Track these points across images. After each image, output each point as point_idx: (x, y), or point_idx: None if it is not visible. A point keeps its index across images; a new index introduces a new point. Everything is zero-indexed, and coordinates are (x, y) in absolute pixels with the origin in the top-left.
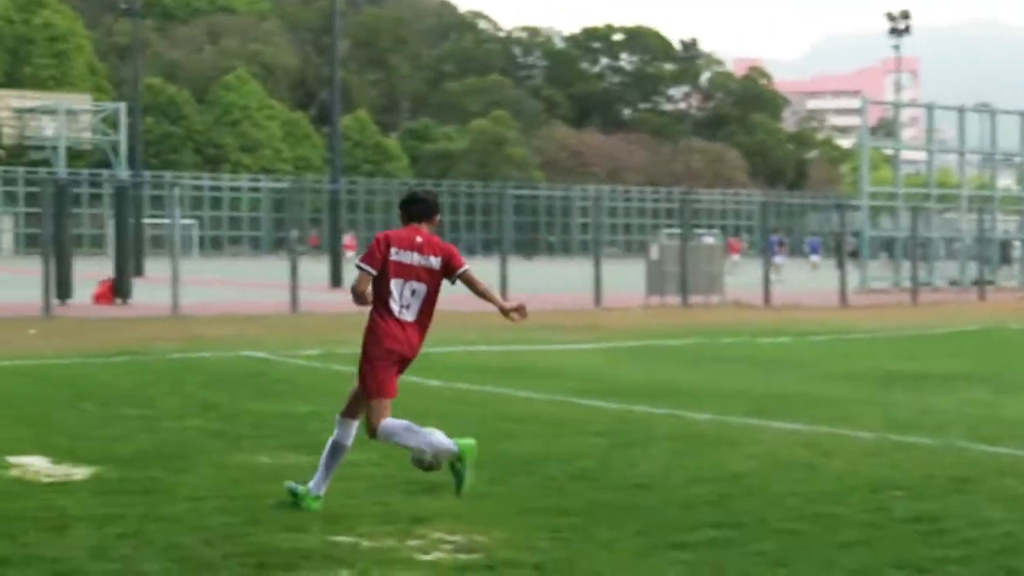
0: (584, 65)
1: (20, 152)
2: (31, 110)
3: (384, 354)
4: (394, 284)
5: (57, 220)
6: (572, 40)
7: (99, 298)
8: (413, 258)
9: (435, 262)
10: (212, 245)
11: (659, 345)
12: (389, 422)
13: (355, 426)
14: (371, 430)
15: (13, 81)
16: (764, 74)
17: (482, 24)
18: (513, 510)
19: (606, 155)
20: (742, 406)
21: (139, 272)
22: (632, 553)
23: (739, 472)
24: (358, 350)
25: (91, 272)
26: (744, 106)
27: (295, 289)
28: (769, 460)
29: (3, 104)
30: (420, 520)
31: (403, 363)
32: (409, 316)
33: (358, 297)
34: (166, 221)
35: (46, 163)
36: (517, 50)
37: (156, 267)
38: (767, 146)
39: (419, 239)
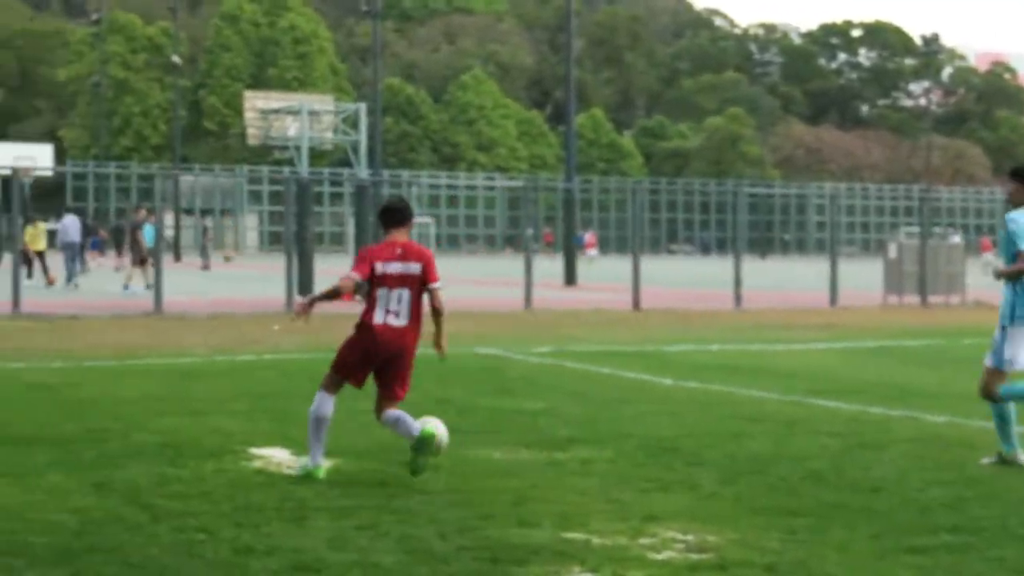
0: (821, 61)
1: (265, 152)
2: (276, 111)
3: (359, 347)
4: (380, 294)
5: (299, 218)
6: (809, 36)
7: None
8: (396, 268)
9: (416, 267)
10: (448, 243)
11: (896, 346)
12: (317, 403)
13: (398, 415)
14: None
15: (259, 83)
16: (1008, 68)
17: (718, 21)
18: (744, 510)
19: (843, 152)
20: (982, 409)
21: None
22: (866, 556)
23: (977, 476)
24: (592, 348)
25: (332, 269)
26: (987, 101)
27: (529, 286)
28: (1009, 464)
29: (249, 105)
30: (652, 518)
31: (387, 362)
32: (400, 321)
33: (333, 293)
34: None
35: (289, 162)
36: (753, 47)
37: None
38: (1011, 142)
39: (399, 250)
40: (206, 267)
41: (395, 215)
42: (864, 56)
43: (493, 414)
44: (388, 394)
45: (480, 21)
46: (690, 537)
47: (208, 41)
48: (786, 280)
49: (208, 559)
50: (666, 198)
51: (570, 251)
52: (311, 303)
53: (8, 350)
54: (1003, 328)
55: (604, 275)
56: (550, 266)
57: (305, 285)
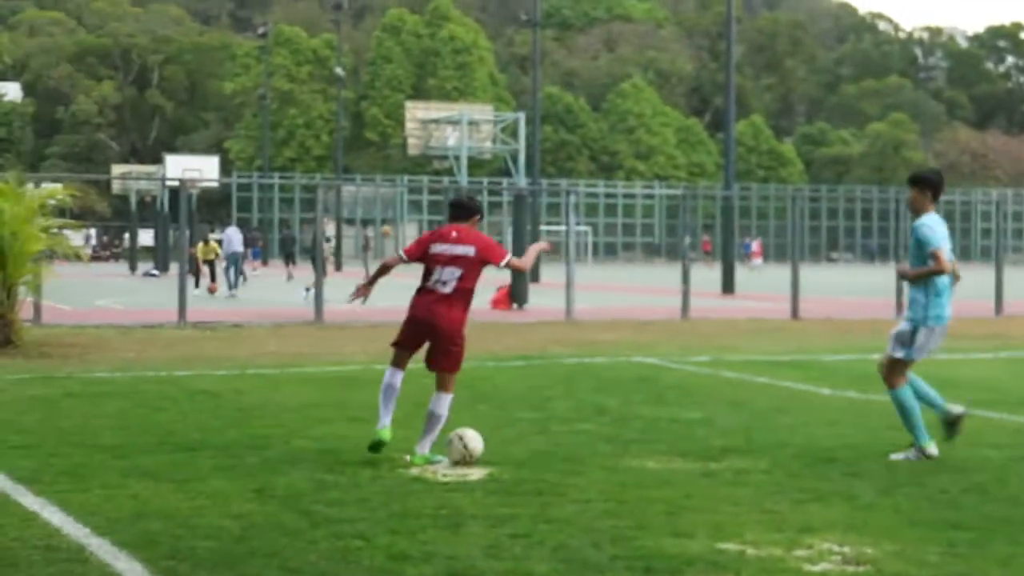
0: (988, 65)
1: (425, 162)
2: (435, 121)
3: (408, 318)
4: (434, 270)
5: None
6: (976, 39)
7: (496, 303)
8: (445, 248)
9: (469, 250)
10: (606, 251)
11: None
12: (387, 375)
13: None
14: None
15: (419, 93)
16: None
17: (882, 25)
18: (903, 523)
19: (1011, 157)
20: None
21: (535, 278)
22: None
23: None
24: (749, 357)
25: (489, 278)
26: None
27: (686, 295)
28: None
29: (410, 115)
30: (808, 530)
31: (428, 333)
32: (447, 289)
33: (382, 269)
34: (562, 228)
35: (449, 172)
36: (918, 51)
37: (551, 273)
38: None
39: (454, 234)
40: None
41: (457, 210)
42: None
43: (649, 423)
44: (433, 366)
45: (640, 28)
46: (847, 549)
47: (370, 53)
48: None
49: (364, 565)
50: (827, 205)
51: (729, 259)
52: (369, 284)
53: (174, 358)
54: (914, 325)
55: (763, 284)
56: (708, 275)
57: None
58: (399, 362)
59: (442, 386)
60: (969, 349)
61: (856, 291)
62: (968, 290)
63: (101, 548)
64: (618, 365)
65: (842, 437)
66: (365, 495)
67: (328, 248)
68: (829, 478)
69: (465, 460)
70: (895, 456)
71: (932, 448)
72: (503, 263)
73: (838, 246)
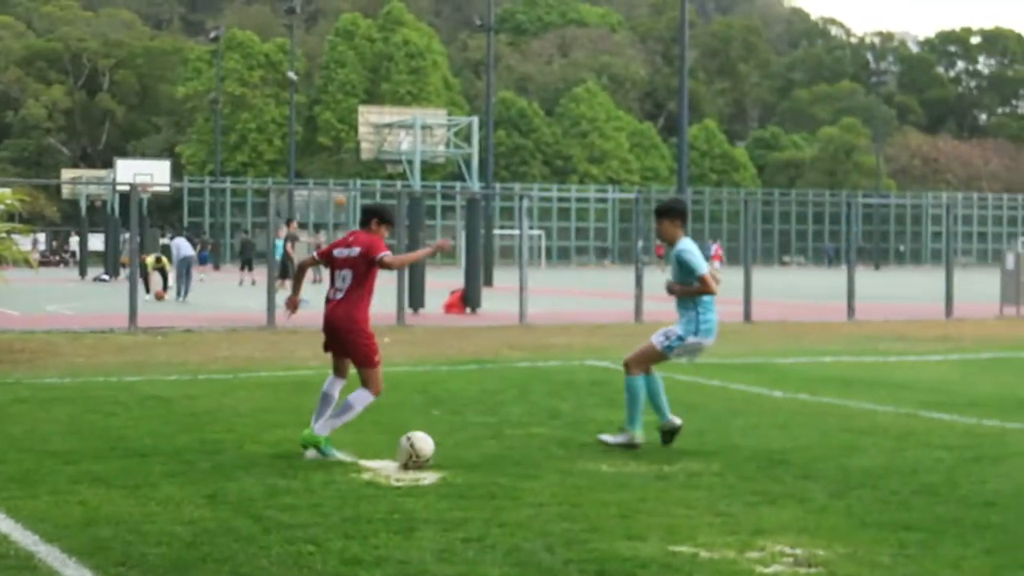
0: (939, 69)
1: (378, 166)
2: (389, 125)
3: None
4: (334, 275)
5: (411, 231)
6: (927, 44)
7: (450, 308)
8: (342, 252)
9: (355, 251)
10: (559, 255)
11: (1013, 358)
12: (326, 382)
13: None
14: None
15: (373, 97)
16: None
17: (834, 30)
18: (854, 524)
19: (961, 162)
20: None
21: (488, 282)
22: (980, 572)
23: None
24: (702, 360)
25: (442, 282)
26: None
27: (639, 298)
28: (633, 447)
29: (363, 120)
30: (760, 532)
31: (333, 335)
32: (340, 295)
33: (299, 271)
34: (515, 232)
35: (402, 176)
36: (869, 56)
37: (504, 277)
38: None
39: (351, 238)
40: (316, 280)
41: (361, 215)
42: (983, 64)
43: (603, 426)
44: (340, 364)
45: (593, 33)
46: (799, 551)
47: (323, 57)
48: (901, 291)
49: (317, 570)
50: (779, 209)
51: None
52: (295, 294)
53: (125, 363)
54: (686, 334)
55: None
56: (662, 278)
57: (416, 298)
58: (334, 368)
59: (363, 382)
60: (920, 351)
61: (808, 294)
62: (919, 293)
63: (50, 555)
64: (572, 369)
65: (794, 440)
66: (318, 500)
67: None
68: (781, 480)
69: (413, 461)
70: (603, 437)
71: (640, 438)
72: (378, 258)
73: (790, 250)
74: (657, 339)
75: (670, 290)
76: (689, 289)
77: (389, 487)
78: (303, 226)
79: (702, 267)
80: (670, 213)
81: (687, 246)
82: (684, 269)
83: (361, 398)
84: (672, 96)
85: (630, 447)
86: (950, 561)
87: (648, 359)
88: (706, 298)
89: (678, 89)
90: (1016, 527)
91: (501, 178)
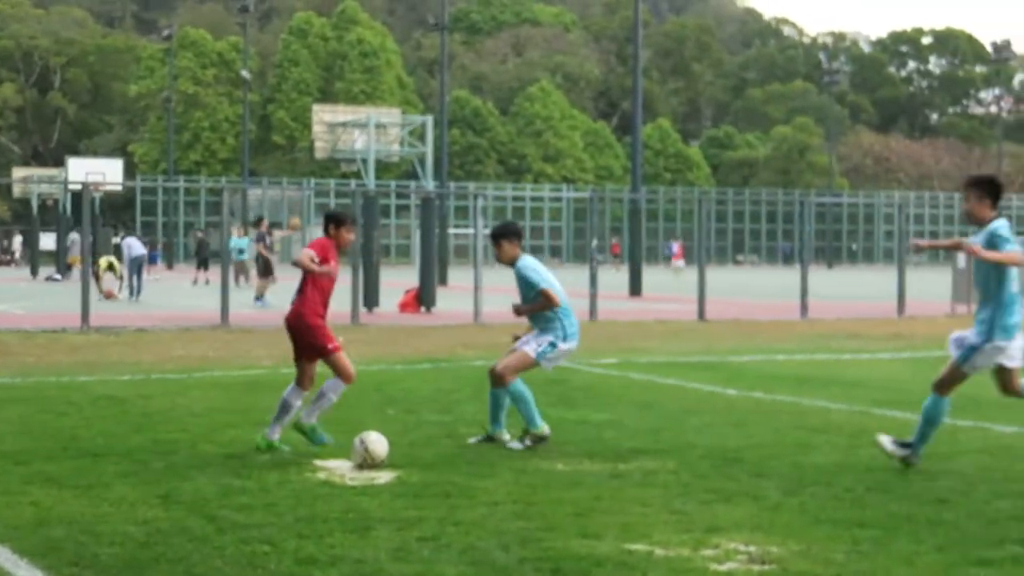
0: (891, 69)
1: (332, 165)
2: (343, 124)
3: None
4: None
5: (365, 230)
6: (879, 44)
7: (404, 307)
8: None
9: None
10: None
11: None
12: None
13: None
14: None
15: (327, 96)
16: None
17: (787, 30)
18: (808, 521)
19: (912, 161)
20: None
21: (443, 281)
22: (932, 568)
23: None
24: (657, 359)
25: (397, 282)
26: None
27: (594, 297)
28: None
29: (317, 119)
30: (715, 530)
31: (290, 336)
32: (293, 299)
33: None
34: (469, 231)
35: (356, 175)
36: (822, 56)
37: (459, 276)
38: None
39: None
40: (271, 280)
41: (324, 223)
42: (934, 64)
43: (557, 425)
44: (302, 372)
45: (547, 32)
46: (753, 548)
47: (277, 55)
48: (853, 290)
49: (271, 570)
50: (733, 208)
51: (636, 262)
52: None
53: (78, 363)
54: (555, 343)
55: (671, 286)
56: (616, 277)
57: (370, 297)
58: (296, 377)
59: (333, 371)
60: (873, 349)
61: (762, 293)
62: (871, 291)
63: (1, 556)
64: None
65: (749, 438)
66: (272, 500)
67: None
68: (736, 478)
69: (367, 463)
70: (511, 445)
71: (545, 429)
72: (294, 258)
73: (744, 249)
74: (530, 347)
75: (517, 311)
76: (535, 306)
77: (344, 486)
78: (256, 225)
79: (542, 282)
80: (507, 235)
81: (527, 263)
82: (526, 285)
83: (332, 386)
84: (626, 95)
85: (542, 441)
86: (903, 558)
87: (521, 367)
88: (564, 305)
89: (632, 88)
90: (967, 524)
91: (456, 177)
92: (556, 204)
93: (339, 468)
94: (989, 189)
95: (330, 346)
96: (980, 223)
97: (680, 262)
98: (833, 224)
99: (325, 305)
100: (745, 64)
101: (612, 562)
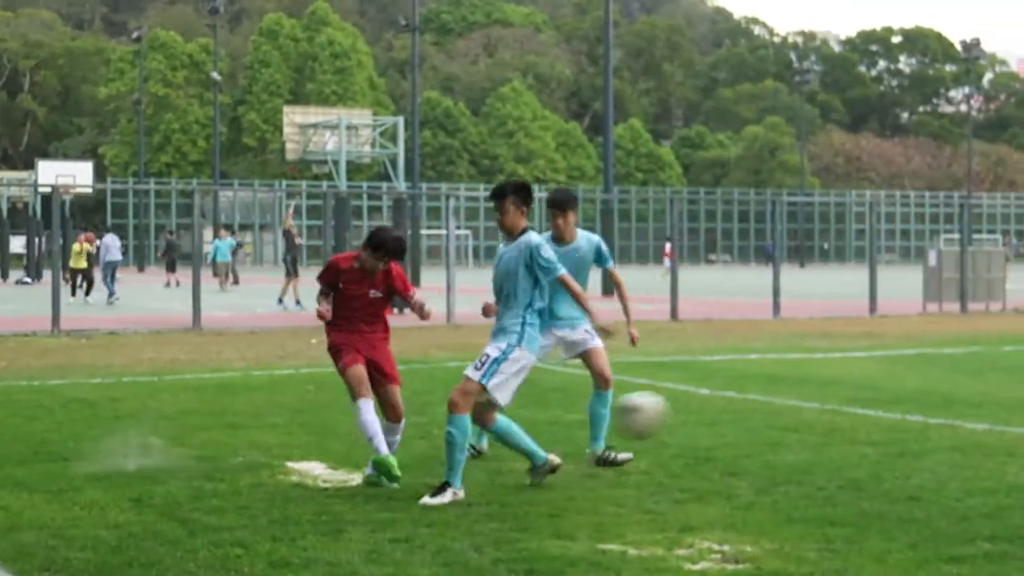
0: (861, 69)
1: (303, 166)
2: (314, 125)
3: None
4: None
5: (337, 232)
6: (849, 43)
7: None
8: None
9: None
10: (487, 255)
11: (936, 354)
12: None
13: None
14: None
15: (298, 98)
16: None
17: (757, 30)
18: (781, 520)
19: (883, 160)
20: (1023, 417)
21: (415, 282)
22: (904, 566)
23: (1018, 484)
24: (629, 358)
25: None
26: None
27: None
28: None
29: (288, 120)
30: (688, 529)
31: None
32: None
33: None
34: (442, 232)
35: (328, 177)
36: (792, 55)
37: (432, 277)
38: None
39: None
40: (235, 282)
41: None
42: (904, 63)
43: (530, 426)
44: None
45: (519, 33)
46: (727, 547)
47: (247, 57)
48: (825, 288)
49: (245, 573)
50: (704, 208)
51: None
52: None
53: (48, 367)
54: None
55: (641, 285)
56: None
57: None
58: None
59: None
60: (845, 348)
61: (734, 292)
62: (843, 290)
63: None
64: None
65: (721, 437)
66: (245, 502)
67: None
68: (709, 478)
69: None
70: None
71: (484, 444)
72: None
73: (716, 248)
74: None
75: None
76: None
77: (317, 488)
78: (228, 227)
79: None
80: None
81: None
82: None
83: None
84: (597, 95)
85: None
86: (875, 555)
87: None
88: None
89: (603, 88)
90: (939, 521)
91: (428, 178)
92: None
93: (312, 470)
94: (526, 197)
95: (338, 365)
96: (512, 233)
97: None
98: (805, 223)
99: (349, 320)
100: (716, 64)
101: (585, 562)
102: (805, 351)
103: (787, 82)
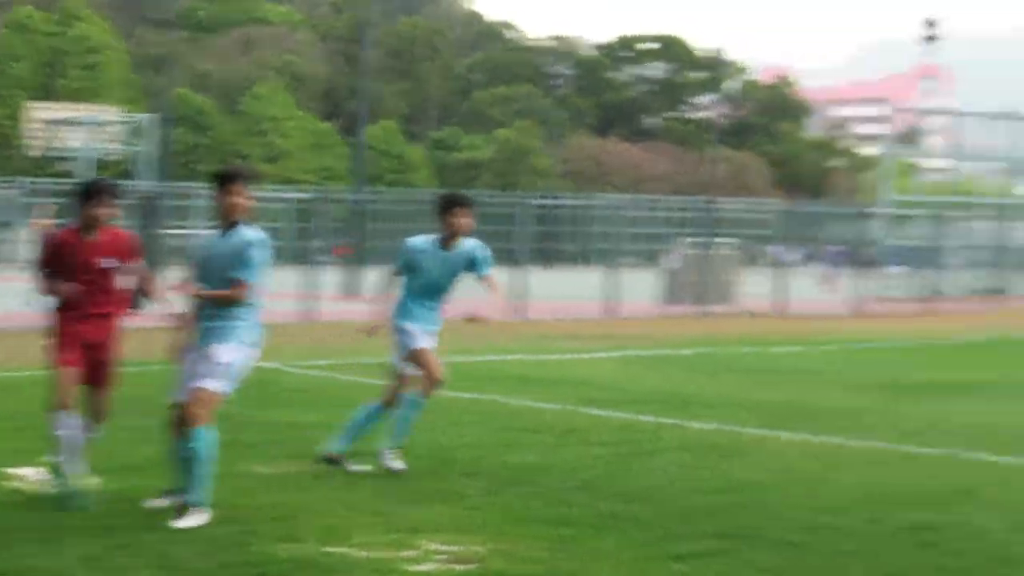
0: (611, 74)
1: (46, 163)
2: (60, 122)
3: None
4: None
5: None
6: (600, 49)
7: None
8: None
9: None
10: None
11: (673, 355)
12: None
13: None
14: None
15: (48, 93)
16: (790, 82)
17: (509, 33)
18: (511, 521)
19: (629, 164)
20: (753, 416)
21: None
22: (634, 564)
23: (745, 482)
24: (370, 360)
25: None
26: (770, 114)
27: (311, 299)
28: (776, 470)
29: (31, 116)
30: (416, 531)
31: None
32: None
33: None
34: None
35: (68, 175)
36: (545, 59)
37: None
38: (792, 154)
39: None
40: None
41: None
42: (653, 69)
43: (267, 427)
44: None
45: (276, 31)
46: (454, 548)
47: None
48: (569, 290)
49: None
50: None
51: (355, 263)
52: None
53: None
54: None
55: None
56: (336, 277)
57: None
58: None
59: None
60: (586, 349)
61: (480, 294)
62: (586, 291)
63: None
64: None
65: (461, 437)
66: None
67: None
68: (445, 478)
69: None
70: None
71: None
72: None
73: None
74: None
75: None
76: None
77: (34, 496)
78: None
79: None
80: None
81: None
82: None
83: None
84: (352, 96)
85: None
86: (606, 554)
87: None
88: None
89: (358, 89)
90: (667, 519)
91: (180, 176)
92: (279, 205)
93: (32, 476)
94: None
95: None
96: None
97: None
98: (552, 226)
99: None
100: (471, 66)
101: (314, 566)
102: (546, 352)
103: (541, 86)
